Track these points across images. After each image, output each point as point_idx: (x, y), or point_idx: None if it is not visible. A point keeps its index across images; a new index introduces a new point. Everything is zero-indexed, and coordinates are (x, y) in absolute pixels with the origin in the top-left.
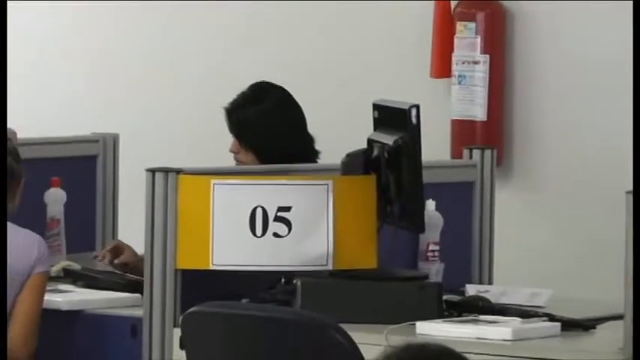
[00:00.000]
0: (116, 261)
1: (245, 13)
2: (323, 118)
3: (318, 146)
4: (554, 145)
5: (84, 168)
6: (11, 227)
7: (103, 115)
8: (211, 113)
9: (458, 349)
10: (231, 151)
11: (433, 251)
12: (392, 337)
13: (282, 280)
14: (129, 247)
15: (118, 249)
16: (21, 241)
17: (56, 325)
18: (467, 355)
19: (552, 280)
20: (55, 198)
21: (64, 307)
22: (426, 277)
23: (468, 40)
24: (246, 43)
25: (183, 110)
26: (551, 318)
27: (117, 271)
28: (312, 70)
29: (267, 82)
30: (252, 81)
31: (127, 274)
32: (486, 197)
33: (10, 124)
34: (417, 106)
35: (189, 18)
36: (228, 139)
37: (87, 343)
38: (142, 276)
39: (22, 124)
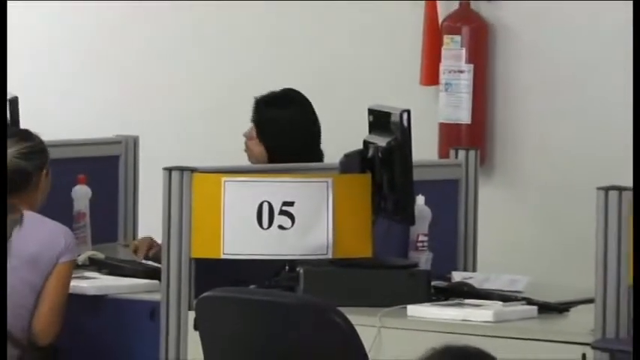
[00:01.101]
0: (150, 254)
1: (250, 19)
2: (323, 121)
3: None
4: (532, 146)
5: (107, 167)
6: (40, 219)
7: (125, 117)
8: (222, 116)
9: (445, 330)
10: (245, 136)
11: (422, 242)
12: (385, 319)
13: (286, 268)
14: (158, 243)
15: (151, 245)
16: (49, 232)
17: (82, 308)
18: (453, 336)
19: (529, 267)
20: (81, 194)
21: (90, 292)
22: (416, 265)
23: (454, 51)
24: (249, 50)
25: (196, 113)
26: (529, 302)
27: (141, 261)
28: (315, 78)
29: (297, 91)
30: (253, 86)
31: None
32: (470, 193)
33: (42, 126)
34: (408, 111)
35: (201, 25)
36: (237, 140)
37: (110, 325)
38: (160, 264)
39: (52, 126)
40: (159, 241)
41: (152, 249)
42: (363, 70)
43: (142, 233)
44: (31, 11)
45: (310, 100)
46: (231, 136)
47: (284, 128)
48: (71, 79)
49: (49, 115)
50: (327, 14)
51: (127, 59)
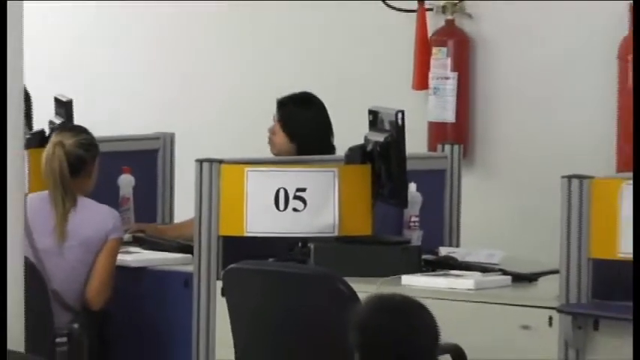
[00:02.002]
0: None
1: (276, 26)
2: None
3: None
4: (507, 142)
5: (148, 159)
6: (92, 203)
7: (164, 115)
8: (245, 114)
9: (433, 296)
10: (269, 131)
11: (414, 222)
12: (382, 287)
13: (299, 244)
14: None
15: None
16: (99, 214)
17: (126, 278)
18: (440, 301)
19: (504, 243)
20: (126, 182)
21: (133, 265)
22: (409, 241)
23: (441, 61)
24: (271, 56)
25: (225, 111)
26: (504, 272)
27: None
28: (323, 81)
29: (314, 95)
30: (272, 89)
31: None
32: (455, 181)
33: (92, 122)
34: (402, 112)
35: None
36: (260, 134)
37: (149, 292)
38: (193, 241)
39: (103, 123)
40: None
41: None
42: (364, 76)
43: (177, 215)
44: (72, 12)
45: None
46: (252, 132)
47: (305, 124)
48: (120, 81)
49: (101, 112)
50: (334, 29)
51: (170, 64)
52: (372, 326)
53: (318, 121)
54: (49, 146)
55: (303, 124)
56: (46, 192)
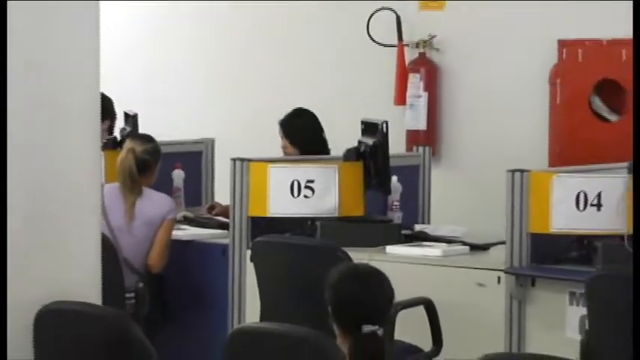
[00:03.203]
0: (215, 213)
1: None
2: (330, 129)
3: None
4: (466, 144)
5: (195, 158)
6: (153, 192)
7: (207, 121)
8: (266, 124)
9: (410, 262)
10: (282, 147)
11: (396, 205)
12: (372, 255)
13: (309, 222)
14: (221, 205)
15: (214, 206)
16: (159, 200)
17: (178, 249)
18: (414, 265)
19: (464, 221)
20: (178, 175)
21: (183, 238)
22: (392, 220)
23: (415, 83)
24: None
25: (250, 121)
26: (464, 243)
27: (212, 217)
28: (325, 98)
29: (305, 108)
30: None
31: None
32: (426, 174)
33: (155, 130)
34: (386, 122)
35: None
36: (278, 139)
37: (196, 259)
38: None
39: (163, 130)
40: (222, 204)
41: (216, 209)
42: (358, 95)
43: (216, 200)
44: (132, 27)
45: (321, 114)
46: (273, 137)
47: (300, 129)
48: (174, 92)
49: (162, 120)
50: (336, 60)
51: (217, 76)
52: (338, 287)
53: (309, 126)
54: (123, 151)
55: (298, 129)
56: (119, 184)
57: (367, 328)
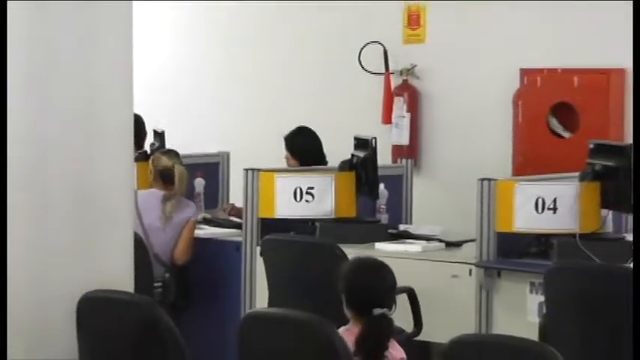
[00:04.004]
0: (232, 213)
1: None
2: (328, 144)
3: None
4: (442, 157)
5: (213, 169)
6: (181, 198)
7: (225, 136)
8: (274, 138)
9: (395, 256)
10: (285, 158)
11: (383, 208)
12: (364, 251)
13: (310, 222)
14: (236, 207)
15: (232, 208)
16: (185, 205)
17: (199, 245)
18: (398, 259)
19: (441, 221)
20: (199, 183)
21: (203, 236)
22: (379, 221)
23: (399, 105)
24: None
25: (260, 136)
26: (440, 240)
27: (229, 218)
28: (327, 118)
29: (306, 126)
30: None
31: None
32: (409, 182)
33: (181, 146)
34: (375, 138)
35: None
36: (283, 152)
37: (214, 254)
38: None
39: (187, 143)
40: (237, 206)
41: (233, 210)
42: (350, 115)
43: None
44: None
45: (321, 131)
46: (281, 149)
47: (301, 144)
48: (196, 109)
49: (183, 135)
50: (332, 86)
51: (234, 93)
52: (351, 278)
53: (309, 141)
54: (160, 163)
55: (300, 144)
56: (151, 189)
57: (377, 311)
